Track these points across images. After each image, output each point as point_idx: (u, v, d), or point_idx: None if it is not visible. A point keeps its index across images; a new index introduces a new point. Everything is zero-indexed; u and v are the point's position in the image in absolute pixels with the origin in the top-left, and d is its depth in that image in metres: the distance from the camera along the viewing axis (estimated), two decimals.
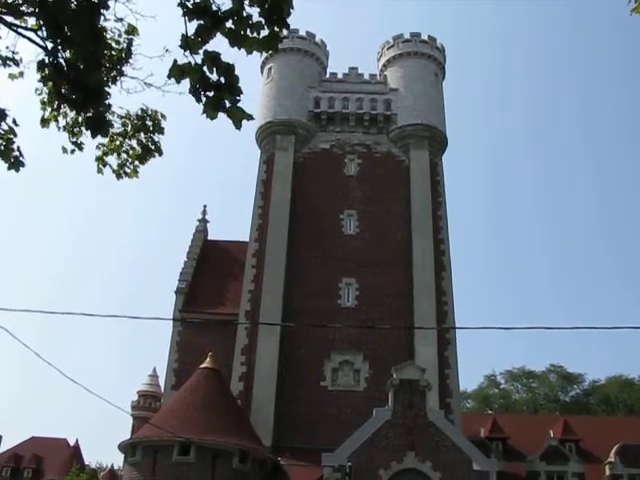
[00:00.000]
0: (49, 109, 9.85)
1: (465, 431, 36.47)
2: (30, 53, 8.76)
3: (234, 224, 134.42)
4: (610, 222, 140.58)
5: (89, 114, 9.05)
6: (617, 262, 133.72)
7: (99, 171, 10.63)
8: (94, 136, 9.22)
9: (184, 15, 7.16)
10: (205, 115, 7.30)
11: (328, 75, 49.30)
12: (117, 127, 10.41)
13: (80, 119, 9.60)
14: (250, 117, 7.33)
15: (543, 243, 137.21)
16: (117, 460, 71.27)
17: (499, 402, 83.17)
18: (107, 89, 9.04)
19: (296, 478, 32.90)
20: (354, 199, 44.23)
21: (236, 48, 7.23)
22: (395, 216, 43.55)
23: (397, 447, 31.03)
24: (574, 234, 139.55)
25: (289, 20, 7.27)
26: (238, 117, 7.30)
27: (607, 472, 40.31)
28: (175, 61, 7.14)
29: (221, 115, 7.33)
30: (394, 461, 30.84)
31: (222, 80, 7.21)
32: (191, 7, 7.17)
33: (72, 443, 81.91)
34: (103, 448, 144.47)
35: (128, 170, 10.71)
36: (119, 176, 10.68)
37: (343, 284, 41.21)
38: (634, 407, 72.60)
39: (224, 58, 7.17)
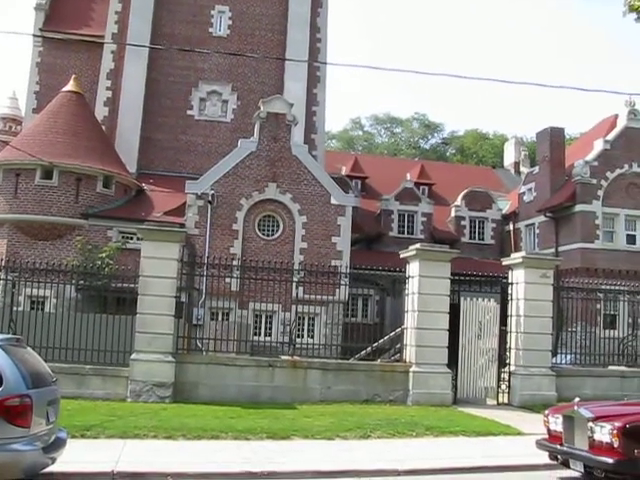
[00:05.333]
0: None
1: (327, 168, 37.63)
2: None
3: None
4: None
5: None
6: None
7: None
8: None
9: None
10: None
11: None
12: None
13: None
14: None
15: None
16: None
17: (362, 144, 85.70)
18: None
19: (159, 204, 33.46)
20: None
21: None
22: None
23: (259, 178, 31.91)
24: None
25: None
26: None
27: (452, 214, 43.50)
28: None
29: None
30: (256, 191, 31.84)
31: None
32: None
33: None
34: None
35: None
36: None
37: (215, 12, 39.31)
38: (485, 158, 76.78)
39: None
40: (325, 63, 39.41)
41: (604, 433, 9.86)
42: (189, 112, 38.62)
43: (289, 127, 32.38)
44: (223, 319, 24.36)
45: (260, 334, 27.85)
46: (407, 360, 18.66)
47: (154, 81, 38.13)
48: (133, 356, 16.85)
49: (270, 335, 27.48)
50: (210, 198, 31.25)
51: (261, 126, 32.20)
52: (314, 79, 39.74)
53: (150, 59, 38.04)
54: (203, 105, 38.87)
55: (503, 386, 19.27)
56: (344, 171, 44.26)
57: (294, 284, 19.37)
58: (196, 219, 31.39)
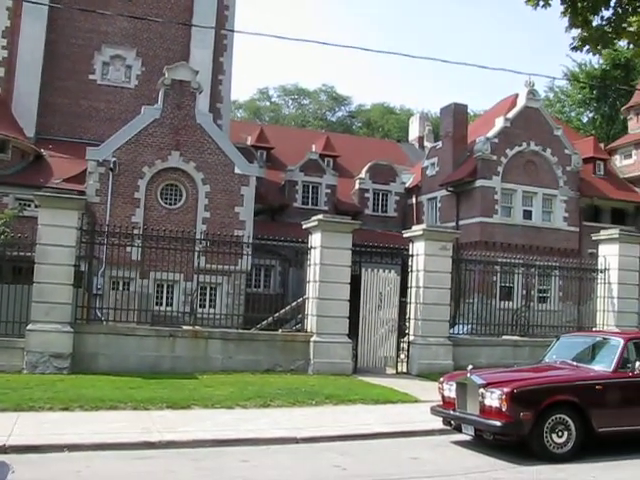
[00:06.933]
0: None
1: (232, 138, 37.35)
2: None
3: None
4: None
5: None
6: None
7: None
8: None
9: None
10: None
11: None
12: None
13: None
14: None
15: None
16: None
17: (269, 115, 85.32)
18: None
19: (59, 170, 32.58)
20: None
21: None
22: None
23: (163, 146, 31.43)
24: None
25: None
26: None
27: (357, 186, 43.92)
28: None
29: None
30: (159, 159, 31.35)
31: None
32: None
33: None
34: None
35: None
36: None
37: None
38: (390, 132, 77.73)
39: None
40: (232, 31, 38.94)
41: (494, 398, 10.28)
42: (91, 76, 37.54)
43: (194, 95, 31.93)
44: (124, 289, 23.96)
45: (161, 304, 27.49)
46: (308, 330, 18.82)
47: (54, 42, 36.80)
48: (29, 326, 16.38)
49: (171, 305, 27.26)
50: (112, 165, 30.60)
51: (165, 93, 31.63)
52: (221, 47, 39.24)
53: (50, 19, 36.65)
54: (106, 69, 37.83)
55: (402, 355, 19.69)
56: (249, 141, 43.96)
57: (196, 254, 19.18)
58: (97, 187, 30.69)
